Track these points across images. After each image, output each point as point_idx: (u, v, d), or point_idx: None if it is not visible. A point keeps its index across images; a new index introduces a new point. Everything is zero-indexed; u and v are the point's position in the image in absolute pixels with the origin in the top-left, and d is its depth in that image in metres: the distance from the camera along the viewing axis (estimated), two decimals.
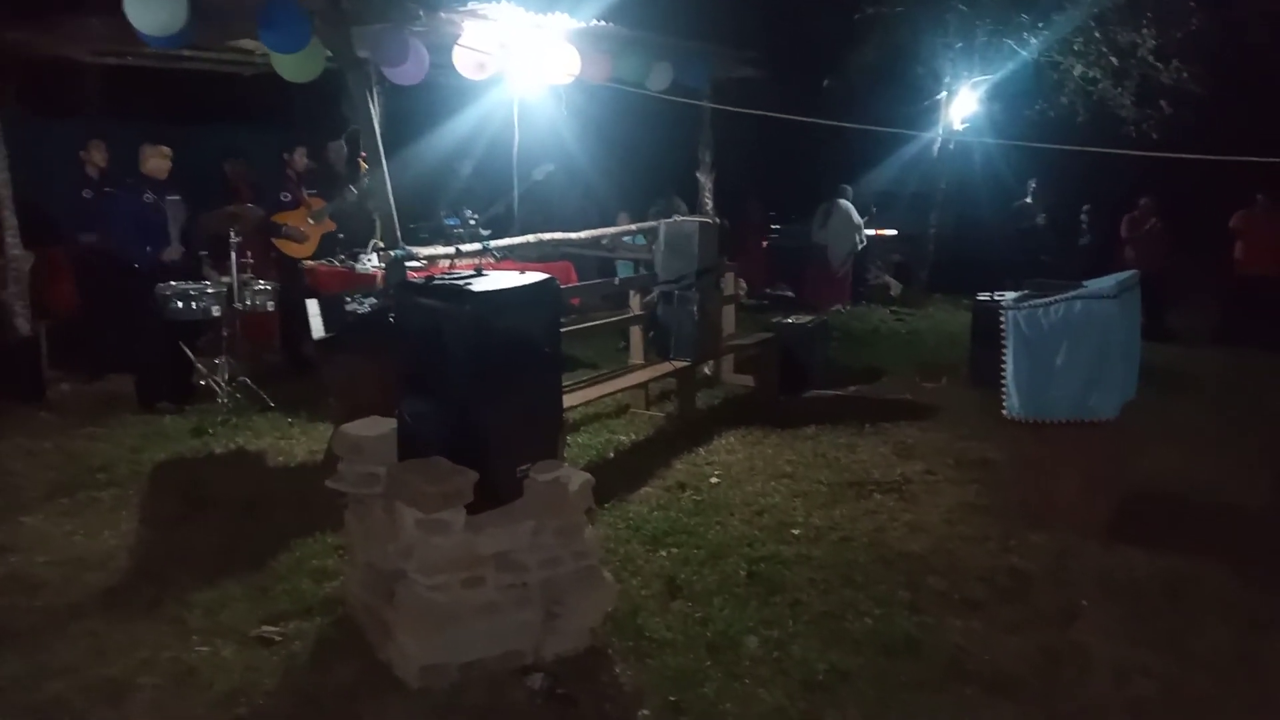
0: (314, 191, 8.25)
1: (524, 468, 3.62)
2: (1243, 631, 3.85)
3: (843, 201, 12.42)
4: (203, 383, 7.11)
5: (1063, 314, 4.70)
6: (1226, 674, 3.53)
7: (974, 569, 4.39)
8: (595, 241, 8.19)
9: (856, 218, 12.42)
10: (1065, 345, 4.70)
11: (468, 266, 5.09)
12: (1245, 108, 11.86)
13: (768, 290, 12.97)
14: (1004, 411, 4.93)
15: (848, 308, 12.20)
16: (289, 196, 8.13)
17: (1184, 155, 5.70)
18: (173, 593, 4.03)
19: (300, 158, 8.33)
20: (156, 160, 7.02)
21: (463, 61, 5.93)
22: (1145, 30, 11.21)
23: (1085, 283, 4.94)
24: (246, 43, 6.14)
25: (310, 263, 8.00)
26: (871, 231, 12.98)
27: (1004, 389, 4.90)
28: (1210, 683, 3.47)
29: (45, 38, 6.48)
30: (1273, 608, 4.06)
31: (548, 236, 6.88)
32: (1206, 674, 3.52)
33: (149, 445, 6.08)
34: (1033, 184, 12.38)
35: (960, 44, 12.08)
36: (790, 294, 12.99)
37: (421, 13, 5.39)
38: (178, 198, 7.17)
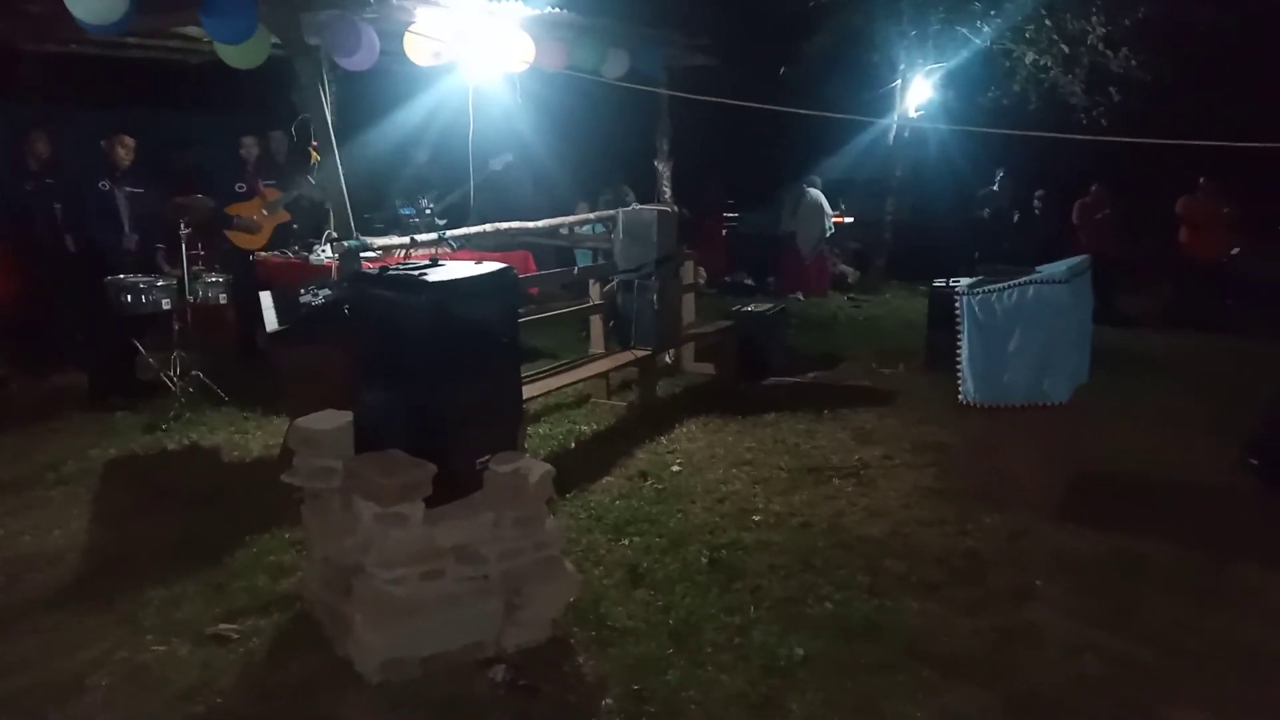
0: (270, 182, 8.11)
1: (483, 459, 3.60)
2: (1190, 605, 3.94)
3: (813, 190, 12.62)
4: (157, 377, 6.97)
5: (1016, 299, 4.79)
6: (1174, 647, 3.61)
7: (931, 552, 4.45)
8: (553, 230, 8.16)
9: (827, 206, 12.62)
10: (1018, 330, 4.79)
11: (423, 256, 5.04)
12: (1191, 94, 12.08)
13: (727, 279, 13.02)
14: (959, 397, 5.01)
15: (811, 297, 12.30)
16: (244, 187, 7.97)
17: (1132, 140, 5.80)
18: (126, 591, 3.96)
19: (249, 147, 8.16)
20: (118, 150, 6.95)
21: (415, 49, 5.86)
22: (1095, 18, 11.38)
23: (1038, 268, 5.02)
24: (193, 30, 6.01)
25: (263, 254, 7.88)
26: (835, 219, 13.13)
27: (959, 374, 4.98)
28: (1158, 656, 3.55)
29: None
30: (1218, 581, 4.17)
31: (505, 226, 6.83)
32: (1154, 648, 3.60)
33: (100, 441, 5.96)
34: (1000, 173, 12.54)
35: (914, 31, 12.17)
36: (750, 281, 13.05)
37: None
38: (140, 190, 7.03)
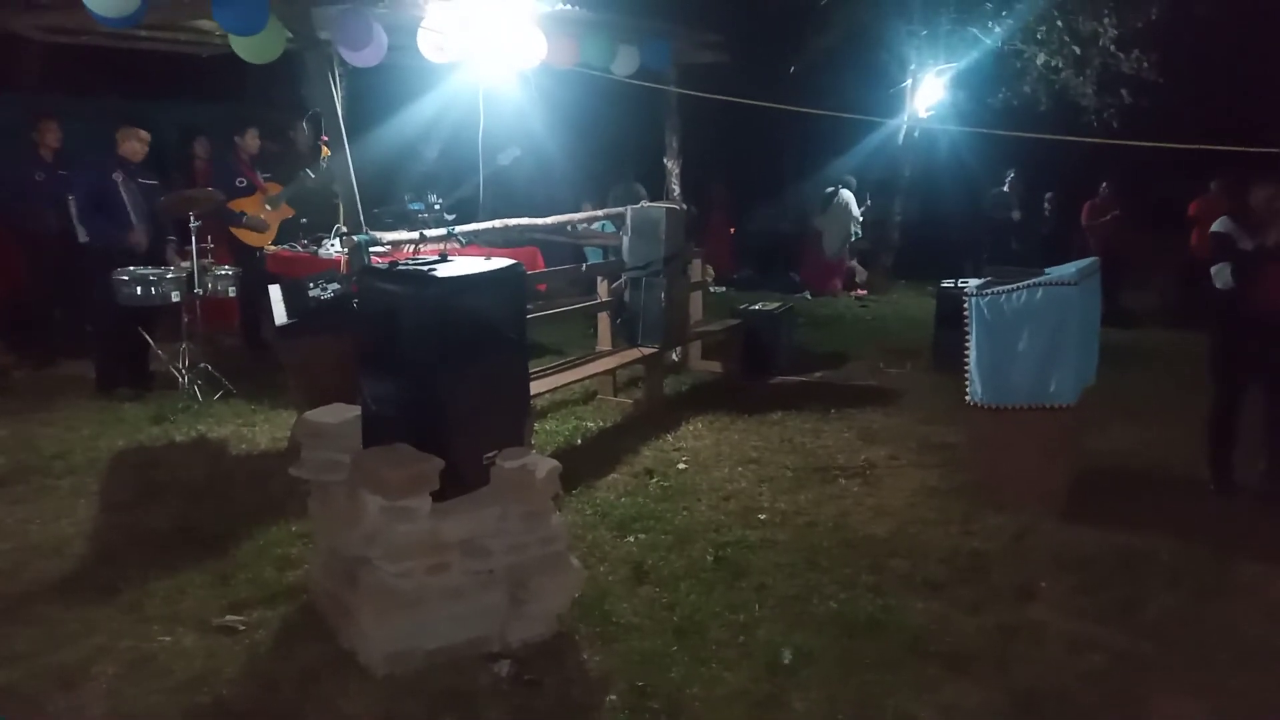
0: (268, 175, 8.08)
1: (490, 454, 3.61)
2: (1192, 601, 3.97)
3: (845, 191, 12.61)
4: (165, 369, 6.99)
5: (1025, 300, 4.77)
6: (1176, 642, 3.64)
7: (936, 551, 4.45)
8: (561, 227, 8.16)
9: (855, 208, 12.62)
10: (1027, 331, 4.77)
11: (432, 252, 5.05)
12: (1203, 97, 12.04)
13: (735, 276, 13.02)
14: (966, 397, 4.99)
15: (820, 295, 12.28)
16: (244, 181, 7.92)
17: (1143, 143, 5.79)
18: (132, 581, 3.97)
19: (251, 139, 8.09)
20: (133, 143, 6.82)
21: (427, 44, 5.86)
22: (1107, 19, 11.35)
23: (1047, 269, 5.01)
24: (204, 22, 6.02)
25: (272, 248, 7.87)
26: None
27: (966, 375, 4.96)
28: (1160, 651, 3.58)
29: None
30: (1218, 576, 4.20)
31: (513, 222, 6.84)
32: (1156, 643, 3.63)
33: (107, 432, 5.98)
34: (1010, 174, 12.51)
35: (925, 31, 12.14)
36: (755, 275, 13.03)
37: None
38: (155, 182, 7.00)
